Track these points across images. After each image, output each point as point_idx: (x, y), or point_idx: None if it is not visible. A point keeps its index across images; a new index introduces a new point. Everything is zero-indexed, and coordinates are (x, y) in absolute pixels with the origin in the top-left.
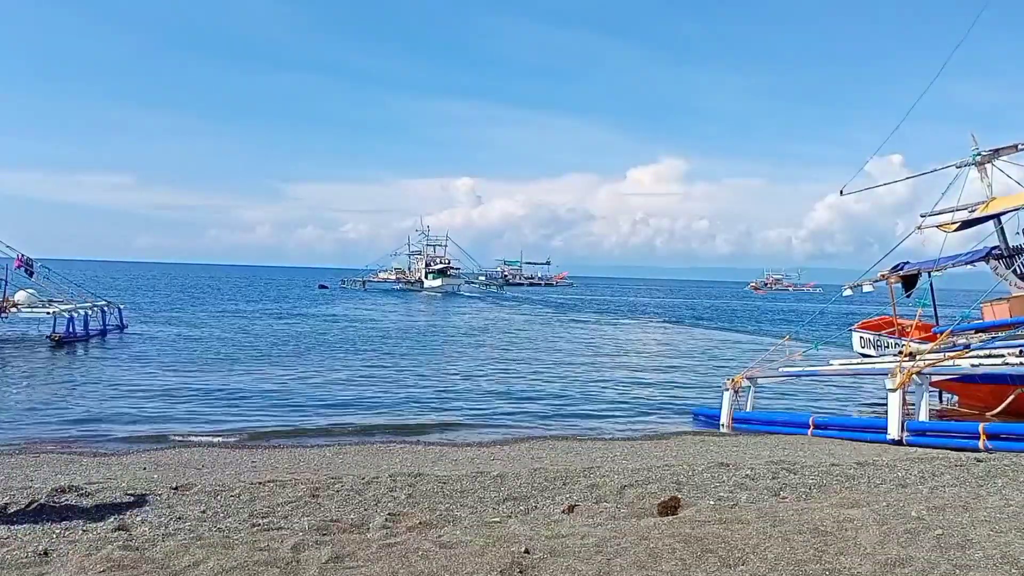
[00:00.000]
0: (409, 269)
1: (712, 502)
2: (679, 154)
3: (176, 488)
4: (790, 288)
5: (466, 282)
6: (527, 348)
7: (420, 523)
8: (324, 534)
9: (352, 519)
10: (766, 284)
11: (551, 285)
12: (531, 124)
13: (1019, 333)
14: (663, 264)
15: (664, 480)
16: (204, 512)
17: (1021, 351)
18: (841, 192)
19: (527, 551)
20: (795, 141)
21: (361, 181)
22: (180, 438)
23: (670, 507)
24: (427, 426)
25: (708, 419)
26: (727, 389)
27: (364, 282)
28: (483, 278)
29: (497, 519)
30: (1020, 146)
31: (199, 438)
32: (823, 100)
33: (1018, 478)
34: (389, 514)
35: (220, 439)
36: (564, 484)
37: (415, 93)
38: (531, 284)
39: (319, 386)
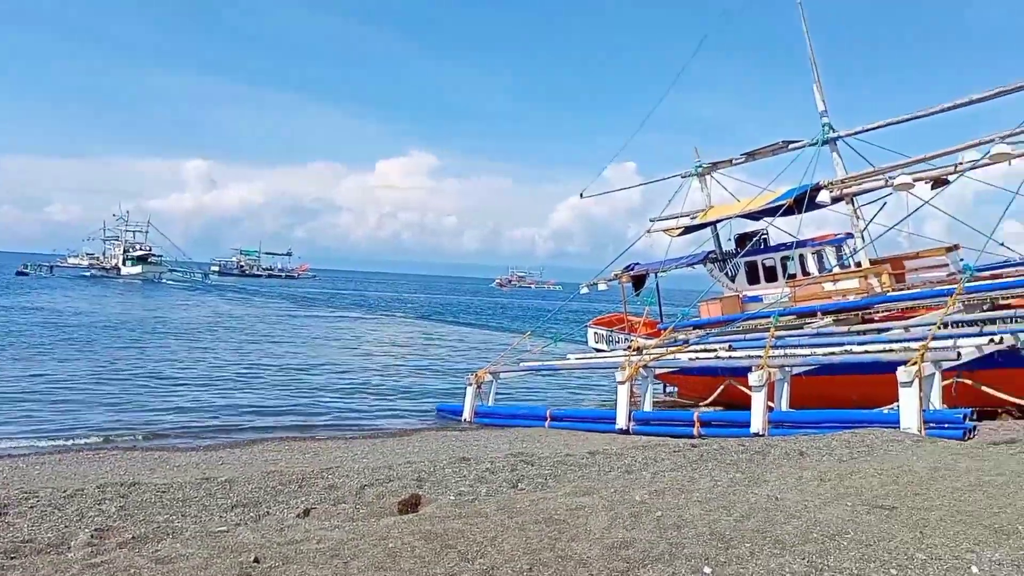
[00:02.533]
0: (104, 255)
1: (453, 497)
2: (429, 149)
3: None
4: (532, 285)
5: (170, 270)
6: (260, 344)
7: (133, 538)
8: (13, 558)
9: (49, 538)
10: (511, 281)
11: (292, 278)
12: (275, 107)
13: (729, 330)
14: (411, 259)
15: (405, 477)
16: None
17: (731, 346)
18: (581, 195)
19: (257, 560)
20: (543, 142)
21: (72, 156)
22: None
23: (411, 504)
24: (146, 430)
25: (452, 414)
26: (470, 384)
27: (52, 267)
28: (216, 268)
29: (224, 528)
30: (734, 161)
31: None
32: (570, 105)
33: (725, 460)
34: (96, 530)
35: None
36: (300, 487)
37: (147, 63)
38: (270, 276)
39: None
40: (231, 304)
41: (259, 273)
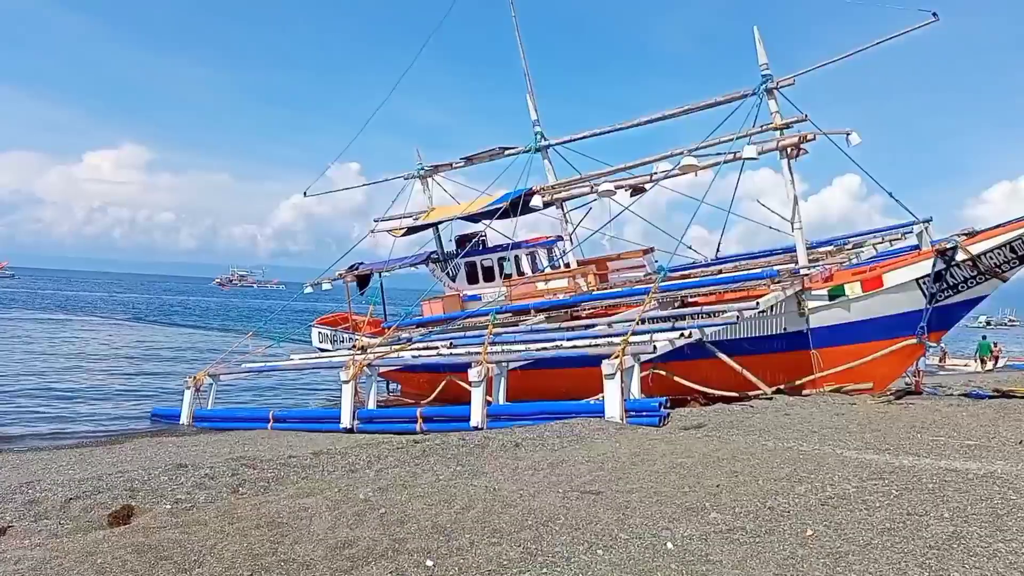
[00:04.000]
0: None
1: (169, 506)
2: (141, 141)
3: None
4: (255, 284)
5: None
6: None
7: None
8: None
9: None
10: (231, 280)
11: None
12: None
13: (450, 328)
14: (124, 257)
15: (117, 488)
16: None
17: (451, 343)
18: (305, 194)
19: None
20: (262, 140)
21: None
22: None
23: (122, 516)
24: None
25: (168, 419)
26: (188, 387)
27: None
28: None
29: None
30: (455, 164)
31: None
32: (288, 103)
33: (447, 454)
34: None
35: None
36: None
37: None
38: None
39: None
40: None
41: None
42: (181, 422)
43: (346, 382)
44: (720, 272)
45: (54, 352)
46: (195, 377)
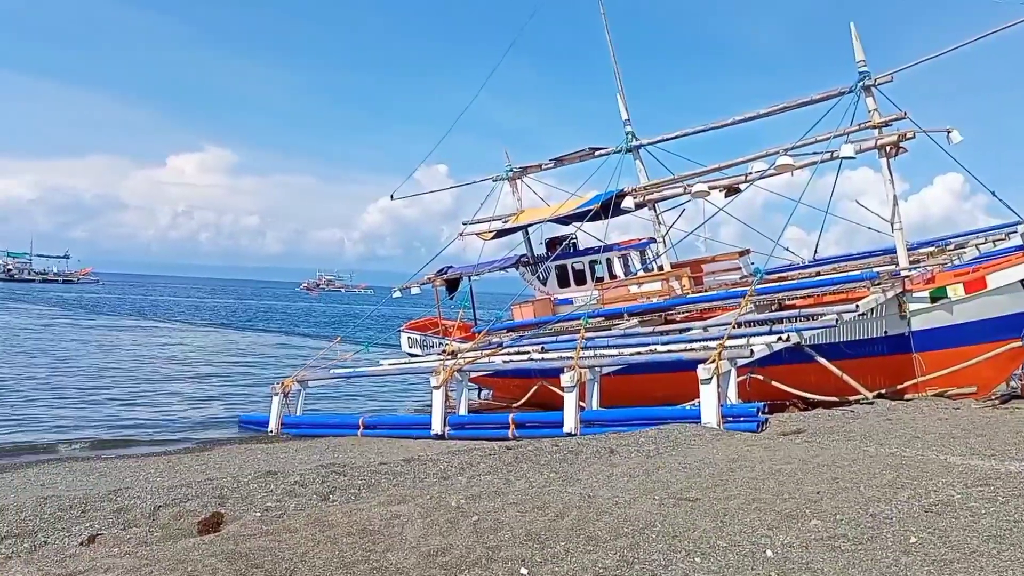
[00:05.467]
0: None
1: (259, 513)
2: (226, 144)
3: None
4: (342, 289)
5: None
6: (34, 356)
7: None
8: None
9: None
10: (318, 285)
11: (72, 282)
12: (43, 95)
13: (541, 332)
14: (209, 262)
15: (206, 495)
16: None
17: (543, 348)
18: (392, 196)
19: None
20: (347, 143)
21: None
22: None
23: (212, 524)
24: None
25: (256, 426)
26: (276, 394)
27: None
28: None
29: None
30: (544, 166)
31: None
32: (373, 105)
33: (540, 461)
34: None
35: None
36: (83, 512)
37: None
38: (45, 280)
39: None
40: None
41: (31, 278)
42: (269, 429)
43: (436, 387)
44: (818, 274)
45: (140, 359)
46: (283, 383)
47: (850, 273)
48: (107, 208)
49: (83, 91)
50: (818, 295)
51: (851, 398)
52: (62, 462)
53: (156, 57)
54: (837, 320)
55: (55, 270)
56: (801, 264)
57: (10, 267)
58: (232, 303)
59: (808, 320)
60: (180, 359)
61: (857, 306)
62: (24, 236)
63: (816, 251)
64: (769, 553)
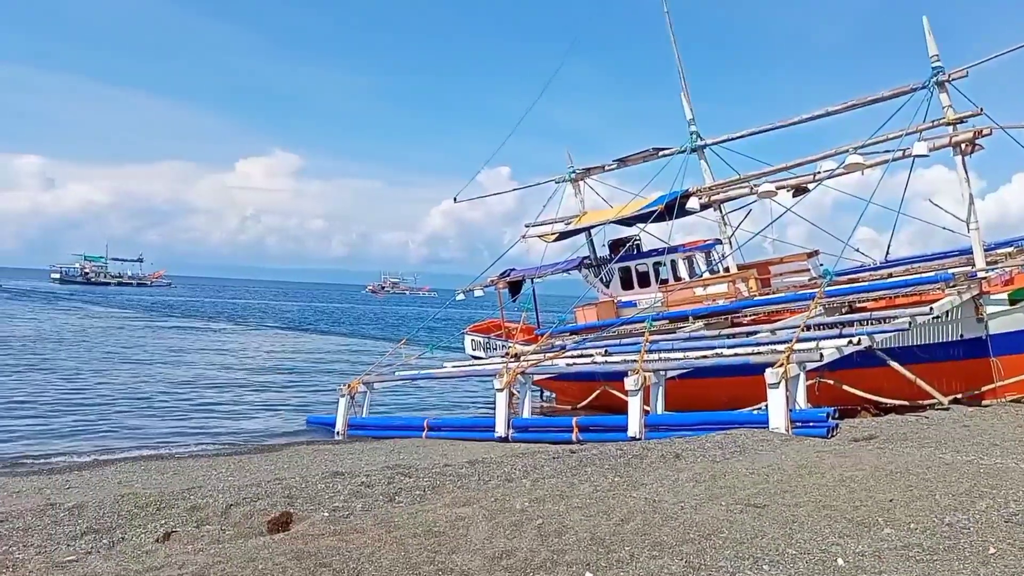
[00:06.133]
0: None
1: (327, 513)
2: (292, 148)
3: None
4: (407, 292)
5: None
6: (110, 358)
7: None
8: None
9: None
10: (383, 287)
11: (145, 285)
12: (117, 102)
13: (604, 335)
14: (276, 264)
15: (275, 495)
16: None
17: (606, 351)
18: (455, 199)
19: None
20: (409, 146)
21: None
22: None
23: (281, 523)
24: None
25: (324, 427)
26: (343, 395)
27: None
28: (57, 275)
29: (73, 557)
30: (607, 167)
31: None
32: (434, 108)
33: (604, 465)
34: None
35: None
36: (158, 509)
37: None
38: (120, 284)
39: None
40: (73, 315)
41: (107, 281)
42: (336, 430)
43: (500, 390)
44: (890, 276)
45: (210, 361)
46: (349, 385)
47: (924, 275)
48: (178, 212)
49: (156, 99)
50: (890, 297)
51: (925, 403)
52: (138, 461)
53: (225, 65)
54: (910, 323)
55: (129, 273)
56: (872, 265)
57: (87, 271)
58: (299, 305)
59: (880, 323)
60: (248, 360)
61: (931, 308)
62: (100, 240)
63: (888, 252)
64: (840, 562)
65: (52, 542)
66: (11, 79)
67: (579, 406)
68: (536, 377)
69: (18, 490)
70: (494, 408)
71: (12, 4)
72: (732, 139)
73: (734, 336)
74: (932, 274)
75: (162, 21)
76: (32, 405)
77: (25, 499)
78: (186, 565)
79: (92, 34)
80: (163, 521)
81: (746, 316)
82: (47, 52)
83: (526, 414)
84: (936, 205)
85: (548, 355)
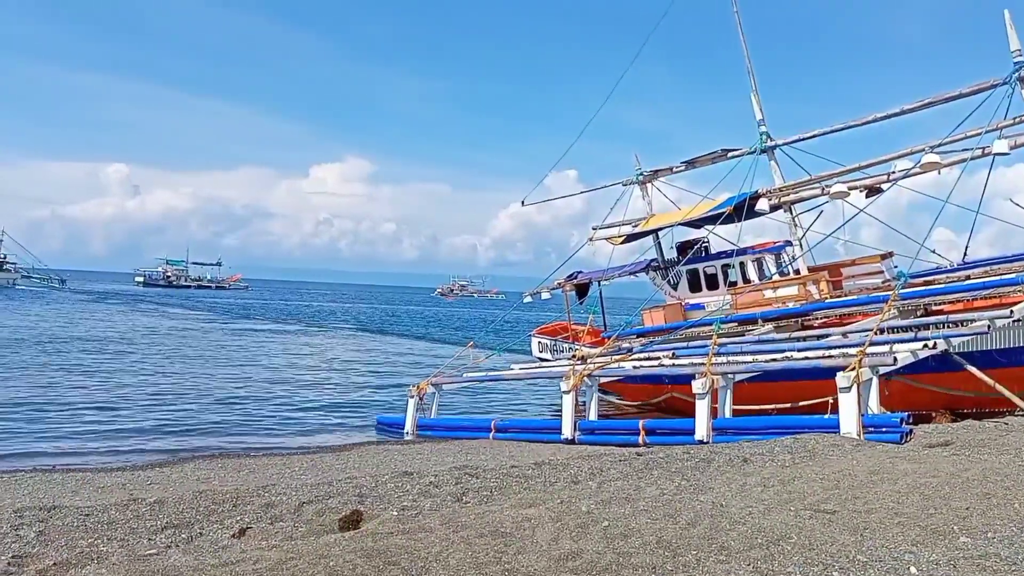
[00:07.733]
0: None
1: (396, 512)
2: (364, 154)
3: None
4: (476, 294)
5: (23, 276)
6: (190, 359)
7: (54, 564)
8: None
9: None
10: (453, 290)
11: (224, 288)
12: (199, 110)
13: (672, 337)
14: (348, 268)
15: (346, 494)
16: None
17: (674, 354)
18: (523, 202)
19: None
20: (478, 150)
21: None
22: None
23: (352, 521)
24: (67, 450)
25: (393, 428)
26: (412, 396)
27: None
28: (140, 279)
29: (154, 551)
30: (675, 169)
31: None
32: (502, 112)
33: (671, 468)
34: (13, 557)
35: None
36: (235, 506)
37: (59, 63)
38: (199, 287)
39: None
40: (157, 317)
41: (187, 284)
42: (405, 431)
43: (566, 392)
44: (968, 278)
45: (285, 362)
46: (418, 386)
47: (1004, 276)
48: (255, 217)
49: (235, 106)
50: (968, 300)
51: (1004, 409)
52: (215, 458)
53: (301, 72)
54: (989, 326)
55: (208, 276)
56: (949, 267)
57: (169, 274)
58: (371, 308)
59: (957, 326)
60: (322, 362)
61: (1012, 311)
62: (181, 244)
63: (966, 253)
64: (913, 570)
65: (134, 536)
66: (97, 88)
67: (645, 410)
68: (603, 380)
69: (103, 485)
70: (560, 410)
71: (99, 15)
72: (803, 139)
73: (805, 339)
74: (1012, 276)
75: (241, 31)
76: (116, 404)
77: (109, 494)
78: (260, 560)
79: (174, 44)
80: (239, 517)
81: (817, 319)
82: (132, 61)
83: (592, 416)
84: (1017, 205)
85: (615, 358)
